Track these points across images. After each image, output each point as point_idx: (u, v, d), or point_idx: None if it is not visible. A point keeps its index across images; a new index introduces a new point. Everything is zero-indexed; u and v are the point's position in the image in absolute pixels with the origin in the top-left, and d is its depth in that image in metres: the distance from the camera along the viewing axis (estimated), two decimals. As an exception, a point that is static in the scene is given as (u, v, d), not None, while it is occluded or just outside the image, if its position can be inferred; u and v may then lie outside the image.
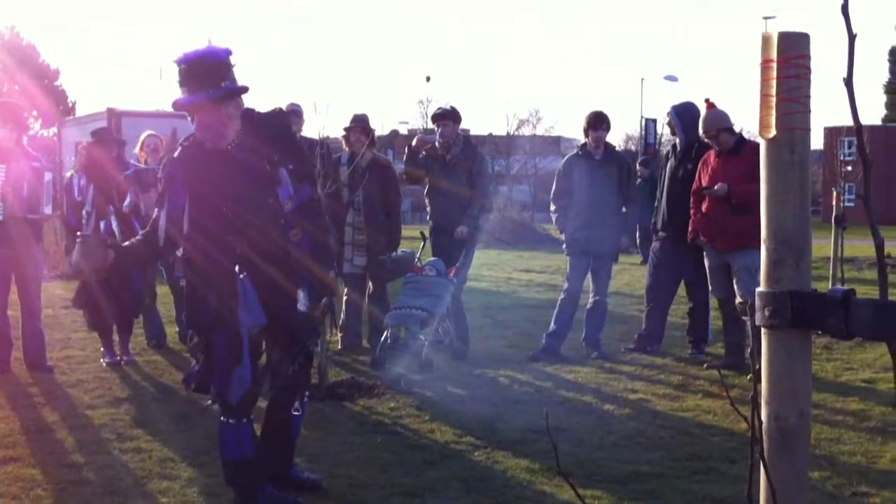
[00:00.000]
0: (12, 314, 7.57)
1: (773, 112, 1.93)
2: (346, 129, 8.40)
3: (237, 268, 4.04)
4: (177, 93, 4.05)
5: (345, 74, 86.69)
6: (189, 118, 4.08)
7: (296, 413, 4.47)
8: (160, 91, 52.25)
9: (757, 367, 1.86)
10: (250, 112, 4.17)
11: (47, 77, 47.39)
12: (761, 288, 1.91)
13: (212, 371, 4.02)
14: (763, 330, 1.90)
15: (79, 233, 6.93)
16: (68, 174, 8.11)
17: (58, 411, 6.12)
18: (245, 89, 4.11)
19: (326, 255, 4.39)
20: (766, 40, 1.94)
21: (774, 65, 1.94)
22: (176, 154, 4.21)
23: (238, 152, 4.07)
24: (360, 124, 8.34)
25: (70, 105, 47.03)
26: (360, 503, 4.40)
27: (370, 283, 8.42)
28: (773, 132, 1.93)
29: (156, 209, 4.25)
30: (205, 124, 4.01)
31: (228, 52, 4.06)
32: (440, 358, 7.68)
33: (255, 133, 4.13)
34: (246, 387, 4.03)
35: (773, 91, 1.94)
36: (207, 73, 3.95)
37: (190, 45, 4.19)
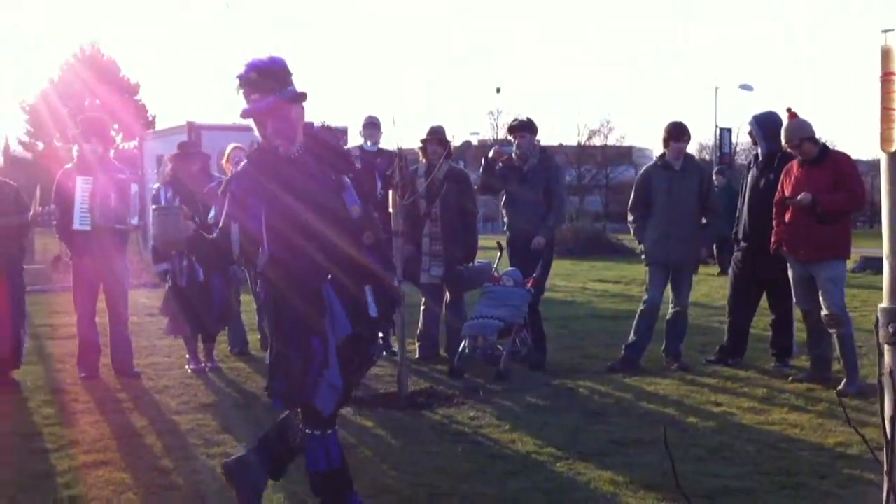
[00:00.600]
0: (100, 322, 7.78)
1: (895, 126, 1.89)
2: (422, 141, 8.47)
3: (322, 275, 4.09)
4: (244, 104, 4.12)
5: (419, 84, 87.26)
6: (256, 127, 4.11)
7: None
8: (238, 104, 53.17)
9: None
10: (307, 123, 4.23)
11: (127, 91, 48.61)
12: (884, 304, 1.87)
13: (304, 383, 4.03)
14: (886, 347, 1.86)
15: (154, 206, 7.13)
16: (155, 186, 8.32)
17: (146, 416, 6.27)
18: (306, 95, 4.17)
19: (388, 263, 4.42)
20: (885, 53, 1.90)
21: (895, 78, 1.90)
22: (243, 165, 4.20)
23: (307, 158, 4.12)
24: (436, 136, 8.41)
25: (150, 119, 48.13)
26: (444, 512, 4.41)
27: (447, 293, 8.46)
28: (895, 146, 1.88)
29: (223, 218, 4.20)
30: (277, 128, 4.05)
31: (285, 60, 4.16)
32: (518, 368, 7.67)
33: (315, 142, 4.20)
34: (339, 394, 4.05)
35: (895, 104, 1.89)
36: (277, 78, 4.02)
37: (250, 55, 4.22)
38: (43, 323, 10.42)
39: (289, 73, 4.10)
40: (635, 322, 8.00)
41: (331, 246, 4.06)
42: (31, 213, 7.21)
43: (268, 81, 4.00)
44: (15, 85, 63.18)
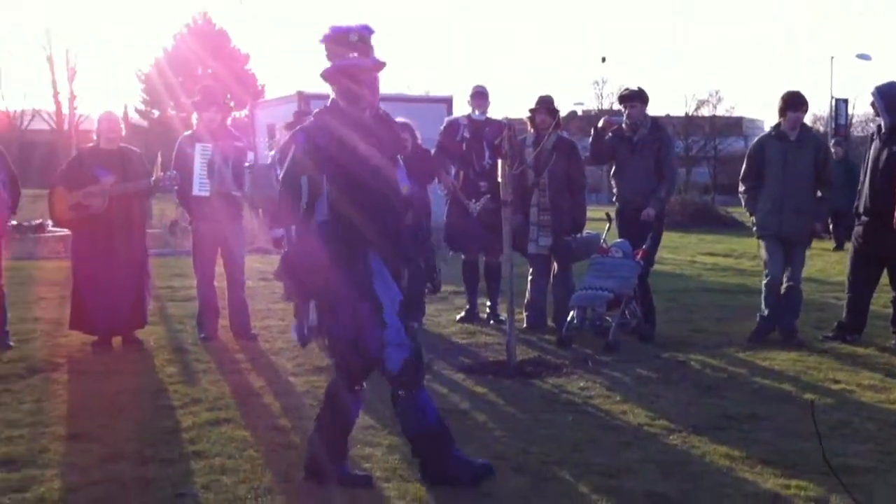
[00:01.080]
0: (218, 285, 8.02)
1: None
2: (531, 111, 8.45)
3: (371, 240, 4.10)
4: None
5: (524, 53, 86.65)
6: (335, 86, 4.15)
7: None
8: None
9: None
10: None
11: (237, 62, 49.60)
12: None
13: (366, 345, 4.08)
14: None
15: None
16: (270, 154, 8.49)
17: (263, 377, 6.48)
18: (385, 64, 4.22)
19: (421, 247, 4.42)
20: None
21: None
22: (316, 119, 4.22)
23: (375, 126, 4.17)
24: (545, 105, 8.37)
25: (260, 88, 48.98)
26: (556, 480, 4.43)
27: (554, 264, 8.44)
28: None
29: (287, 167, 4.21)
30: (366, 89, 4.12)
31: None
32: (627, 340, 7.61)
33: (378, 115, 4.26)
34: (405, 352, 4.08)
35: None
36: (369, 43, 4.11)
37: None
38: (163, 285, 10.80)
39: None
40: (763, 295, 7.81)
41: (387, 214, 4.12)
42: (152, 178, 7.47)
43: (365, 45, 4.08)
44: (131, 54, 65.81)
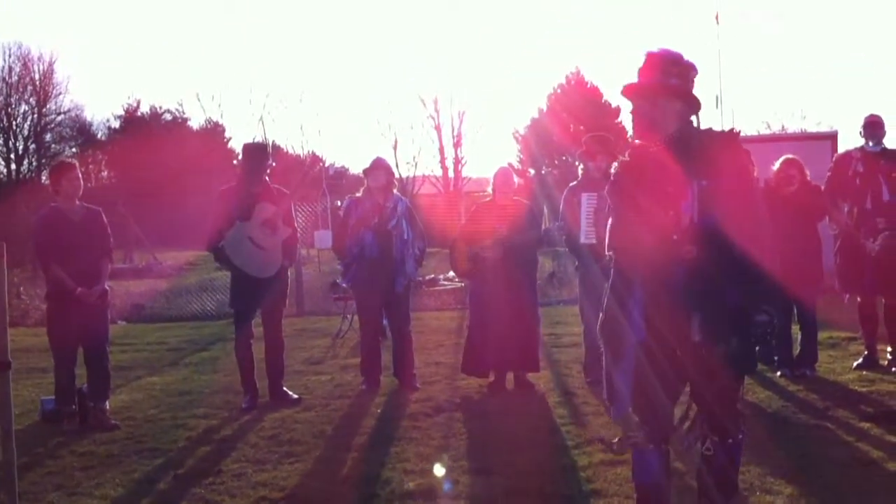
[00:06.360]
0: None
1: None
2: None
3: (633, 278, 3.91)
4: None
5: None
6: (640, 107, 3.98)
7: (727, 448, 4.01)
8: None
9: None
10: (689, 126, 3.97)
11: (608, 116, 50.52)
12: None
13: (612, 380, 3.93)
14: None
15: None
16: None
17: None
18: (698, 103, 3.96)
19: (749, 286, 3.84)
20: None
21: None
22: (623, 158, 4.14)
23: (662, 155, 3.91)
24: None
25: (630, 140, 49.38)
26: None
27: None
28: None
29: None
30: (643, 112, 3.97)
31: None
32: None
33: (684, 143, 3.92)
34: (625, 404, 3.87)
35: None
36: (675, 66, 3.93)
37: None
38: (546, 332, 11.17)
39: (689, 72, 3.99)
40: None
41: (647, 253, 3.88)
42: (542, 228, 7.85)
43: (689, 71, 3.95)
44: (509, 117, 71.02)
